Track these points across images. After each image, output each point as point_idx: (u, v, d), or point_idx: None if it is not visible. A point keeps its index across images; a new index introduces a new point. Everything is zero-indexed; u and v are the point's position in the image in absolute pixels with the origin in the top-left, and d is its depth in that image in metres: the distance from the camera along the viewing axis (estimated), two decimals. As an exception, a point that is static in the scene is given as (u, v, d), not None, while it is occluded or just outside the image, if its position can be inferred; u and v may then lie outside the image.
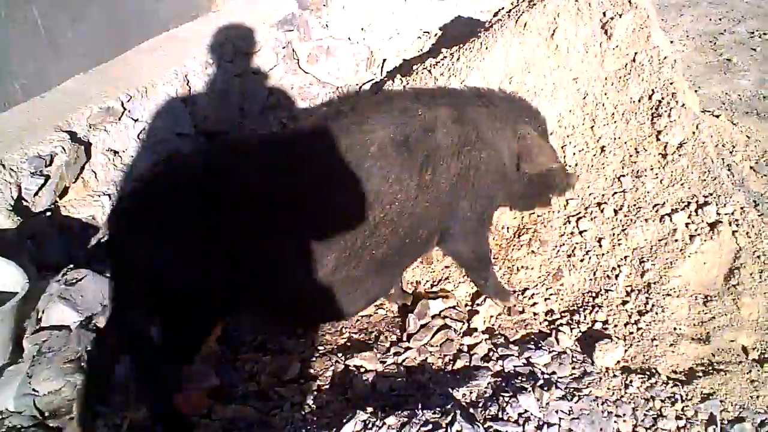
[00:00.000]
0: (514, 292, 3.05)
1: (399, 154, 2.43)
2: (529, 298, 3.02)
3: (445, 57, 3.84)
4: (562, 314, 2.94)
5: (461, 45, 3.86)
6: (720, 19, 5.95)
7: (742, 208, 3.02)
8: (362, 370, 2.72)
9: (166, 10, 4.50)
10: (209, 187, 2.20)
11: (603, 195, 3.21)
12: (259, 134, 2.60)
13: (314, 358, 2.78)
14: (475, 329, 2.90)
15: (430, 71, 3.80)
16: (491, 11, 5.76)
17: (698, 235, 2.96)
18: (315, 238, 2.31)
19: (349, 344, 2.86)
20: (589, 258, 3.07)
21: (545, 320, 2.93)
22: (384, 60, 5.24)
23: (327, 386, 2.62)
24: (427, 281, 3.23)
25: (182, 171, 2.33)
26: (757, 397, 2.53)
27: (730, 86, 4.76)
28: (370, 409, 2.31)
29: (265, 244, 2.22)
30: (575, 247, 3.12)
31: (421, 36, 5.46)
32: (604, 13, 3.53)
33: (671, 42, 5.40)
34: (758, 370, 2.61)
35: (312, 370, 2.68)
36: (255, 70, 4.72)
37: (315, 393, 2.57)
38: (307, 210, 2.30)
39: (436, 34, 5.39)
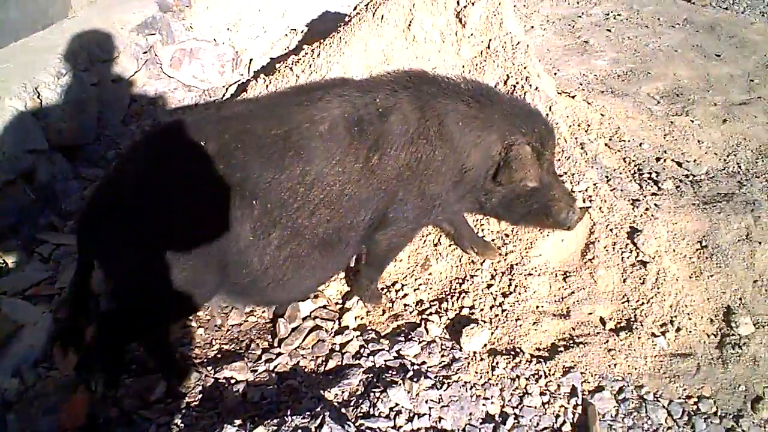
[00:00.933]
0: (384, 287, 3.07)
1: (348, 134, 2.42)
2: (400, 290, 3.04)
3: (306, 54, 3.80)
4: (431, 303, 2.97)
5: (321, 41, 3.83)
6: (578, 3, 6.20)
7: (595, 184, 3.15)
8: (233, 381, 2.65)
9: (16, 19, 4.22)
10: (156, 178, 2.20)
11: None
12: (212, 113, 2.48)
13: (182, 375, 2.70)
14: (347, 327, 2.90)
15: (291, 69, 3.76)
16: (354, 4, 5.78)
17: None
18: (260, 215, 2.32)
19: (219, 356, 2.79)
20: (455, 245, 3.13)
21: (415, 311, 2.96)
22: (251, 60, 5.15)
23: (197, 402, 2.55)
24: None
25: (129, 167, 2.27)
26: (615, 365, 2.66)
27: (588, 67, 4.97)
28: (238, 422, 2.26)
29: (213, 223, 2.24)
30: (441, 236, 3.17)
31: (288, 33, 5.39)
32: (458, 2, 3.59)
33: (532, 27, 5.58)
34: (615, 339, 2.74)
35: (180, 388, 2.59)
36: (114, 78, 4.51)
37: (183, 411, 2.48)
38: (251, 188, 2.28)
39: (302, 31, 5.34)
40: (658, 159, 3.80)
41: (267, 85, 3.82)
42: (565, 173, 3.18)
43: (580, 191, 3.12)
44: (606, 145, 3.83)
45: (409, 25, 3.56)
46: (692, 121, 4.19)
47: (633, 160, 3.75)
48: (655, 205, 3.27)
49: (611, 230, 3.07)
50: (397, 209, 2.58)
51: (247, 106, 2.52)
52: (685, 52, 5.16)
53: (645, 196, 3.33)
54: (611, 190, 3.25)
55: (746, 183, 3.59)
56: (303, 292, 2.77)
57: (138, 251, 2.21)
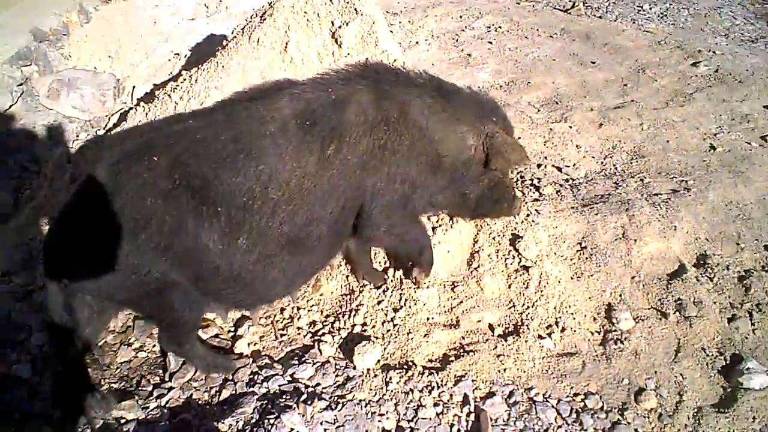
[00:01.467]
0: (276, 312, 3.03)
1: (299, 129, 2.40)
2: (292, 313, 3.01)
3: (185, 80, 3.73)
4: (324, 323, 2.95)
5: (200, 66, 3.78)
6: (461, 17, 6.37)
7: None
8: (123, 421, 2.55)
9: None
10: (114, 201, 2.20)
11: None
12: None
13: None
14: (241, 354, 2.84)
15: (170, 96, 3.68)
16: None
17: (440, 225, 3.11)
18: (225, 220, 2.31)
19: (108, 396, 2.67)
20: (345, 263, 3.12)
21: (308, 333, 2.93)
22: (134, 87, 5.01)
23: (86, 448, 2.43)
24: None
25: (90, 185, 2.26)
26: (504, 370, 2.71)
27: (471, 79, 5.10)
28: (126, 464, 2.17)
29: (180, 233, 2.25)
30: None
31: (172, 59, 5.28)
32: (332, 23, 3.61)
33: (417, 42, 5.68)
34: (503, 345, 2.80)
35: (69, 432, 2.47)
36: (-13, 113, 4.31)
37: (69, 459, 2.37)
38: (212, 194, 2.28)
39: (186, 56, 5.24)
40: (539, 165, 3.92)
41: (146, 113, 3.73)
42: (448, 185, 3.22)
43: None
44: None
45: (286, 47, 3.55)
46: (570, 127, 4.35)
47: (515, 168, 3.85)
48: (536, 210, 3.37)
49: (494, 238, 3.14)
50: (373, 199, 2.56)
51: (195, 117, 2.50)
52: (563, 61, 5.37)
53: (527, 203, 3.42)
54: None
55: (622, 183, 3.75)
56: (279, 293, 2.71)
57: (113, 272, 2.23)
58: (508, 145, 2.67)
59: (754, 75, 5.04)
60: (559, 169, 3.90)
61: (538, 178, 3.77)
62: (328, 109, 2.47)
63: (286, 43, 3.55)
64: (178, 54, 5.34)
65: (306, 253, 2.54)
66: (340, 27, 3.57)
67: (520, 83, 5.01)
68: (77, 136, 4.53)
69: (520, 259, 3.06)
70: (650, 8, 6.66)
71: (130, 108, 4.66)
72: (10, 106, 4.54)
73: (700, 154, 4.10)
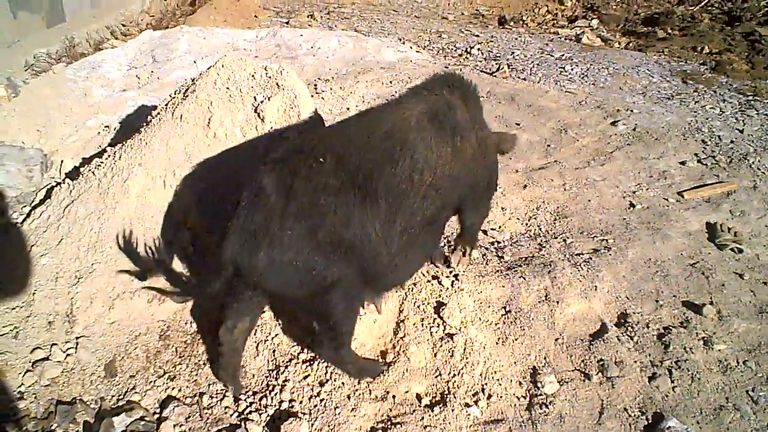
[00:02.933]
0: (202, 392, 2.97)
1: (432, 125, 2.80)
2: (218, 393, 2.96)
3: (109, 156, 3.71)
4: (251, 401, 2.91)
5: (124, 142, 3.76)
6: (391, 82, 6.51)
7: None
8: None
9: None
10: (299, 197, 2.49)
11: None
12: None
13: None
14: (166, 438, 2.77)
15: (94, 173, 3.64)
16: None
17: (365, 296, 3.13)
18: (385, 208, 2.62)
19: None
20: (271, 336, 3.10)
21: (236, 412, 2.88)
22: (62, 161, 4.94)
23: None
24: (112, 396, 3.02)
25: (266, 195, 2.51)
26: (431, 441, 2.70)
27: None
28: None
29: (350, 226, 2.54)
30: (256, 330, 3.13)
31: (101, 131, 5.25)
32: (255, 98, 3.66)
33: (348, 108, 5.78)
34: (430, 415, 2.79)
35: None
36: None
37: None
38: (374, 186, 2.59)
39: (116, 128, 5.22)
40: (466, 229, 3.99)
41: (71, 190, 3.68)
42: (372, 255, 3.25)
43: (387, 271, 3.19)
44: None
45: (209, 122, 3.57)
46: (497, 189, 4.45)
47: (442, 233, 3.92)
48: (462, 275, 3.42)
49: (419, 306, 3.17)
50: (475, 186, 3.07)
51: (335, 127, 2.93)
52: (490, 123, 5.51)
53: (453, 269, 3.47)
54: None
55: (545, 245, 3.85)
56: (411, 275, 3.13)
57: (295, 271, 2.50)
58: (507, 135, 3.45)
59: (670, 132, 5.27)
60: (485, 233, 3.98)
61: (464, 243, 3.83)
62: (445, 110, 2.90)
63: (209, 119, 3.57)
64: (108, 127, 5.31)
65: (434, 234, 3.03)
66: (262, 102, 3.62)
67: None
68: (2, 212, 4.42)
69: (444, 326, 3.09)
70: (572, 69, 6.93)
71: (57, 183, 4.60)
72: (-70, 185, 4.43)
73: (620, 212, 4.24)
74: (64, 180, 4.06)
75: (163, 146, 3.55)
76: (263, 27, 8.24)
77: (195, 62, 6.65)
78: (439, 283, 3.33)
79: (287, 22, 8.43)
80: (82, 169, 3.87)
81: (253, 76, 3.77)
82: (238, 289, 2.67)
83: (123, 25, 9.24)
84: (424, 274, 3.40)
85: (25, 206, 4.54)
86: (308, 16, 8.61)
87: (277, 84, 3.72)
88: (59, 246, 3.40)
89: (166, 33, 7.19)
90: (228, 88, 3.69)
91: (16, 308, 3.19)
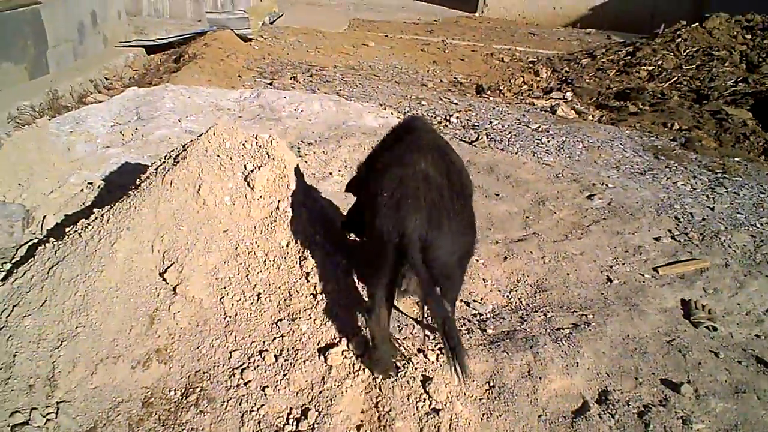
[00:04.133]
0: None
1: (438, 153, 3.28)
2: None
3: (96, 219, 3.71)
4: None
5: (112, 205, 3.78)
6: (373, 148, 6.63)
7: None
8: None
9: None
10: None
11: (264, 342, 3.28)
12: None
13: None
14: None
15: (80, 234, 3.64)
16: (156, 156, 5.78)
17: (352, 368, 3.14)
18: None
19: None
20: (257, 409, 3.08)
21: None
22: (44, 217, 4.91)
23: None
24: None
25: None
26: None
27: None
28: None
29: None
30: (242, 400, 3.11)
31: (85, 188, 5.24)
32: (245, 167, 3.72)
33: (330, 173, 5.86)
34: (415, 493, 2.79)
35: None
36: None
37: None
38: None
39: (99, 186, 5.21)
40: (448, 301, 4.04)
41: (56, 251, 3.66)
42: (354, 329, 3.28)
43: (373, 344, 3.22)
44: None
45: (199, 189, 3.61)
46: (477, 260, 4.53)
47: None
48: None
49: (407, 381, 3.19)
50: None
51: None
52: (470, 193, 5.63)
53: (438, 343, 3.51)
54: (404, 339, 3.40)
55: (527, 318, 3.91)
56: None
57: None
58: None
59: (644, 208, 5.44)
60: (468, 304, 4.04)
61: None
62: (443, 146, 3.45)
63: (199, 186, 3.61)
64: (91, 183, 5.31)
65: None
66: (252, 171, 3.68)
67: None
68: (-21, 269, 4.36)
69: (430, 401, 3.11)
70: (548, 141, 7.13)
71: (40, 241, 4.57)
72: None
73: (598, 287, 4.34)
74: (47, 238, 4.05)
75: (152, 211, 3.58)
76: (247, 87, 8.37)
77: (179, 121, 6.71)
78: (425, 356, 3.36)
79: (270, 83, 8.57)
80: (67, 230, 3.86)
81: (243, 144, 3.84)
82: (397, 268, 2.96)
83: (106, 79, 9.31)
84: (408, 348, 3.43)
85: (5, 262, 4.49)
86: (291, 78, 8.77)
87: (267, 153, 3.79)
88: (42, 307, 3.37)
89: (150, 90, 7.26)
90: (219, 156, 3.74)
91: (-5, 371, 3.14)
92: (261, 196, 3.67)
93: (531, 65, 11.38)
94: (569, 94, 9.44)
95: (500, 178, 6.02)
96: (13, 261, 4.46)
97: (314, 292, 3.43)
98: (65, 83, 8.22)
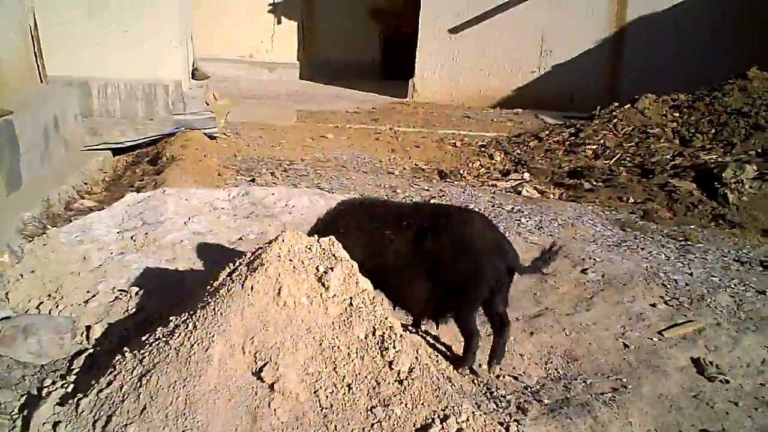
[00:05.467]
0: None
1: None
2: None
3: (179, 326, 3.99)
4: None
5: (191, 312, 4.07)
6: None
7: (473, 413, 3.67)
8: None
9: None
10: None
11: (363, 428, 3.61)
12: None
13: None
14: None
15: (167, 342, 3.90)
16: (174, 259, 6.06)
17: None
18: None
19: None
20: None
21: None
22: (87, 327, 5.09)
23: None
24: None
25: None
26: None
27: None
28: None
29: None
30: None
31: (120, 296, 5.44)
32: (317, 268, 4.11)
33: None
34: None
35: None
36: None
37: None
38: None
39: (137, 293, 5.43)
40: (498, 376, 4.48)
41: (140, 360, 3.90)
42: (446, 407, 3.66)
43: (462, 422, 3.60)
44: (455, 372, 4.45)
45: (279, 292, 3.97)
46: (511, 338, 4.99)
47: (481, 381, 4.39)
48: (521, 420, 3.87)
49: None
50: None
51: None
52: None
53: (510, 415, 3.92)
54: (482, 415, 3.79)
55: (570, 386, 4.38)
56: None
57: None
58: None
59: (633, 278, 6.07)
60: (516, 378, 4.48)
61: (498, 388, 4.31)
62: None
63: (279, 289, 3.97)
64: (124, 291, 5.51)
65: None
66: (325, 272, 4.07)
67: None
68: (41, 383, 4.49)
69: (521, 468, 3.50)
70: (527, 221, 7.78)
71: (96, 351, 4.76)
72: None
73: (618, 353, 4.87)
74: (123, 350, 4.24)
75: (238, 316, 3.90)
76: (229, 185, 8.73)
77: (185, 224, 6.99)
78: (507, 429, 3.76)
79: (253, 180, 8.97)
80: (146, 338, 4.11)
81: (309, 248, 4.25)
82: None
83: (84, 183, 9.48)
84: (490, 422, 3.82)
85: (62, 374, 4.63)
86: (270, 174, 9.20)
87: (333, 255, 4.21)
88: (144, 414, 3.60)
89: (149, 195, 7.54)
90: (291, 260, 4.13)
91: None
92: (335, 295, 4.06)
93: (482, 149, 12.20)
94: (526, 175, 10.22)
95: (498, 259, 6.57)
96: (73, 372, 4.62)
97: (399, 379, 3.79)
98: (52, 191, 8.36)
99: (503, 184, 9.92)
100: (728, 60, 17.97)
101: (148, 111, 15.12)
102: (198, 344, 3.81)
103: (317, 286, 4.08)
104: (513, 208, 8.36)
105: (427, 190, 9.32)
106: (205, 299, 4.17)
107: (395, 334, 3.94)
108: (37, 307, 5.34)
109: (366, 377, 3.82)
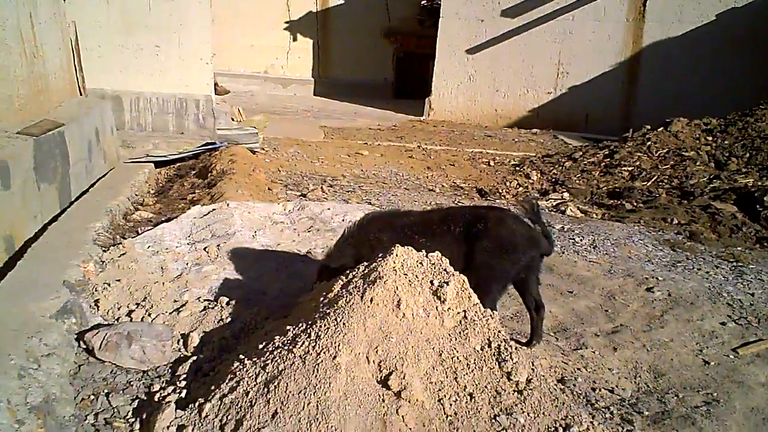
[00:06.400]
0: None
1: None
2: None
3: (301, 334, 4.16)
4: None
5: (309, 323, 4.24)
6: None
7: (591, 423, 3.85)
8: None
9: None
10: None
11: (488, 436, 3.79)
12: None
13: None
14: None
15: (291, 350, 4.07)
16: (249, 271, 6.23)
17: None
18: None
19: None
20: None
21: None
22: (183, 335, 5.25)
23: None
24: None
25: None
26: None
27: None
28: None
29: None
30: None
31: (209, 306, 5.61)
32: (431, 282, 4.30)
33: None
34: None
35: None
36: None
37: None
38: None
39: (226, 303, 5.60)
40: (593, 389, 4.66)
41: (263, 366, 4.06)
42: (566, 416, 3.84)
43: (583, 430, 3.78)
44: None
45: (398, 304, 4.15)
46: (594, 352, 5.18)
47: (579, 393, 4.56)
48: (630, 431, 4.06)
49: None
50: None
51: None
52: (545, 290, 6.30)
53: (621, 426, 4.10)
54: (599, 424, 3.97)
55: (663, 399, 4.56)
56: None
57: None
58: None
59: (700, 297, 6.28)
60: (611, 391, 4.66)
61: (598, 401, 4.48)
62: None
63: (398, 301, 4.15)
64: (212, 300, 5.68)
65: None
66: (440, 286, 4.26)
67: (523, 314, 5.83)
68: (149, 388, 4.63)
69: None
70: (580, 240, 7.99)
71: (236, 362, 4.87)
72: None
73: (700, 369, 5.06)
74: (239, 357, 4.39)
75: (360, 326, 4.08)
76: (282, 200, 8.90)
77: (253, 237, 7.18)
78: (626, 438, 3.94)
79: (303, 195, 9.15)
80: (262, 346, 4.28)
81: (420, 263, 4.44)
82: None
83: (135, 195, 9.64)
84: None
85: (162, 378, 4.77)
86: (320, 189, 9.38)
87: (444, 270, 4.40)
88: (276, 419, 3.77)
89: (216, 208, 7.71)
90: (405, 274, 4.32)
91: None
92: (450, 308, 4.25)
93: (516, 168, 12.44)
94: (566, 195, 10.43)
95: (563, 277, 6.76)
96: (179, 378, 4.76)
97: (518, 389, 3.97)
98: (111, 202, 8.52)
99: (544, 203, 10.11)
100: (739, 84, 18.42)
101: (178, 125, 15.39)
102: (324, 352, 3.98)
103: (433, 299, 4.27)
104: (563, 227, 8.57)
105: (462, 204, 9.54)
106: (322, 310, 4.34)
107: (511, 346, 4.13)
108: (128, 315, 5.49)
109: (486, 387, 3.99)
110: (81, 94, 13.10)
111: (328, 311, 4.28)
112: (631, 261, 7.38)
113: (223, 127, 12.00)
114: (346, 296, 4.30)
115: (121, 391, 4.62)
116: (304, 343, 4.09)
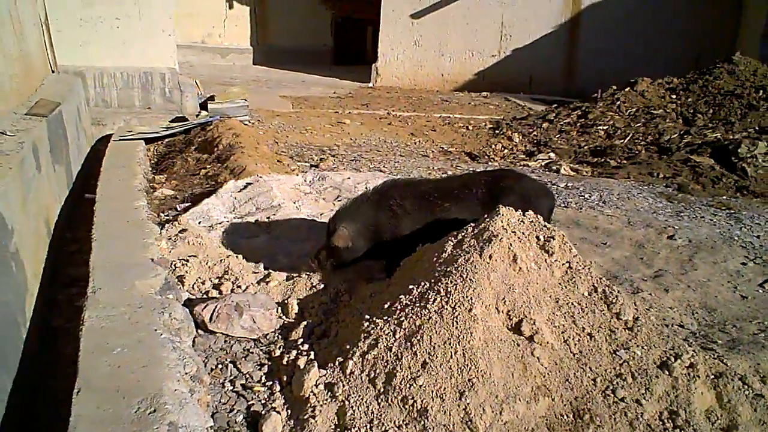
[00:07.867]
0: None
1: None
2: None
3: (426, 293, 4.59)
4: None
5: (433, 281, 4.67)
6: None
7: (695, 350, 4.47)
8: None
9: None
10: None
11: (613, 368, 4.34)
12: None
13: None
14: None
15: (425, 306, 4.49)
16: (306, 241, 6.55)
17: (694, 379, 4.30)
18: None
19: None
20: (639, 416, 4.13)
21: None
22: (281, 303, 5.57)
23: None
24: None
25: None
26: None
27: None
28: None
29: None
30: (624, 411, 4.15)
31: (291, 275, 5.93)
32: (537, 237, 4.80)
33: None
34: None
35: None
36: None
37: None
38: None
39: (306, 273, 5.93)
40: (666, 325, 5.29)
41: (399, 323, 4.47)
42: (673, 347, 4.45)
43: (690, 357, 4.39)
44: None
45: (514, 259, 4.64)
46: (650, 294, 5.83)
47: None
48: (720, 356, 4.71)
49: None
50: None
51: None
52: (581, 244, 6.92)
53: (714, 351, 4.75)
54: (701, 351, 4.58)
55: (724, 329, 5.23)
56: None
57: None
58: None
59: (717, 242, 7.05)
60: (681, 326, 5.31)
61: (681, 337, 5.12)
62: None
63: (514, 256, 4.64)
64: (294, 269, 6.02)
65: None
66: (547, 240, 4.77)
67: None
68: (270, 354, 4.96)
69: (746, 391, 4.32)
70: (589, 196, 8.66)
71: (365, 322, 5.24)
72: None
73: (742, 303, 5.77)
74: (371, 317, 4.75)
75: (486, 280, 4.54)
76: (295, 171, 9.18)
77: (297, 208, 7.47)
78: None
79: (317, 166, 9.44)
80: (396, 306, 4.67)
81: (521, 221, 4.93)
82: None
83: (145, 173, 9.67)
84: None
85: (277, 344, 5.11)
86: (329, 159, 9.69)
87: (545, 226, 4.91)
88: (427, 367, 4.21)
89: (253, 181, 7.95)
90: (514, 231, 4.80)
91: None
92: (556, 260, 4.76)
93: (494, 131, 13.04)
94: (552, 155, 11.11)
95: (591, 230, 7.40)
96: (296, 342, 5.08)
97: (628, 327, 4.54)
98: (134, 181, 8.57)
99: (533, 163, 10.77)
100: (678, 43, 19.64)
101: (145, 99, 15.23)
102: (459, 306, 4.43)
103: (541, 252, 4.77)
104: (567, 184, 9.23)
105: (473, 169, 10.07)
106: (441, 269, 4.77)
107: (614, 290, 4.69)
108: (215, 288, 5.75)
109: (601, 327, 4.55)
110: (53, 72, 12.86)
111: (449, 269, 4.72)
112: (642, 213, 8.11)
113: (216, 102, 12.00)
114: (464, 255, 4.74)
115: (243, 359, 4.93)
116: (435, 299, 4.52)
